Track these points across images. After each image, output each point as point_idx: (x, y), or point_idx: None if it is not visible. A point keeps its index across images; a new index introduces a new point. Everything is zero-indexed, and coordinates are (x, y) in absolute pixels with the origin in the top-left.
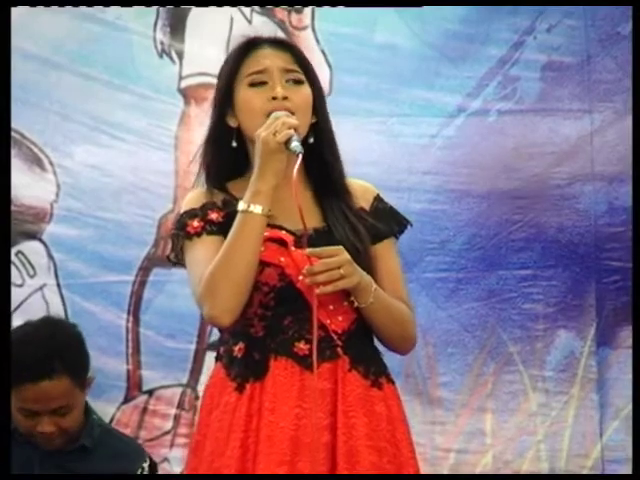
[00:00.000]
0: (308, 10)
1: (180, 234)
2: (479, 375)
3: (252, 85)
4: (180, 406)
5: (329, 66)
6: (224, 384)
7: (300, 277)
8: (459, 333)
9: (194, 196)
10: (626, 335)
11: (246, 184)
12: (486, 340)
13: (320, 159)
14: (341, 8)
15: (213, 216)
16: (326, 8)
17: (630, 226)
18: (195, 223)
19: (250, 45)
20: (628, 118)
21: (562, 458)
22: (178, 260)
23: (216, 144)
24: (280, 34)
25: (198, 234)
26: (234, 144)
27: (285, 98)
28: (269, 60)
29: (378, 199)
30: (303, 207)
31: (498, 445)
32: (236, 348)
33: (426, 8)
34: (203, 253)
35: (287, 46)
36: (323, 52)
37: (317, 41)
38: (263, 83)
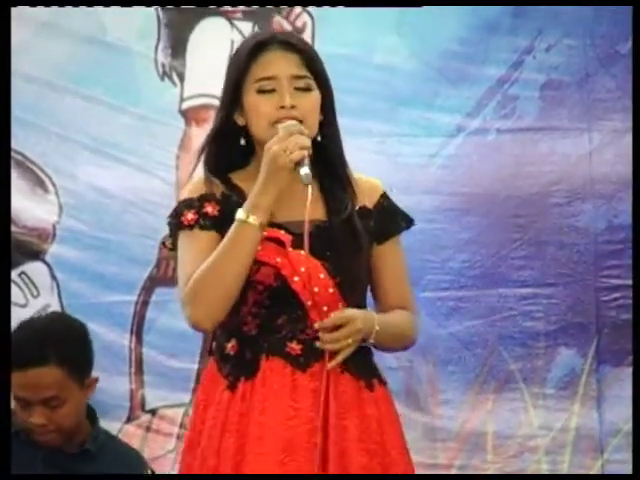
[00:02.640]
0: (308, 32)
1: (174, 222)
2: (480, 393)
3: (260, 91)
4: (183, 425)
5: None
6: (217, 380)
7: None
8: (460, 351)
9: (194, 184)
10: (627, 352)
11: (248, 175)
12: (487, 358)
13: (326, 155)
14: (341, 25)
15: (209, 209)
16: (326, 30)
17: (630, 244)
18: (190, 215)
19: (260, 45)
20: (627, 136)
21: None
22: (173, 248)
23: (222, 140)
24: None
25: (191, 227)
26: (242, 142)
27: (293, 107)
28: (278, 67)
29: (385, 197)
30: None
31: (499, 462)
32: (229, 345)
33: (425, 28)
34: (194, 251)
35: (297, 49)
36: None
37: None
38: (272, 90)
